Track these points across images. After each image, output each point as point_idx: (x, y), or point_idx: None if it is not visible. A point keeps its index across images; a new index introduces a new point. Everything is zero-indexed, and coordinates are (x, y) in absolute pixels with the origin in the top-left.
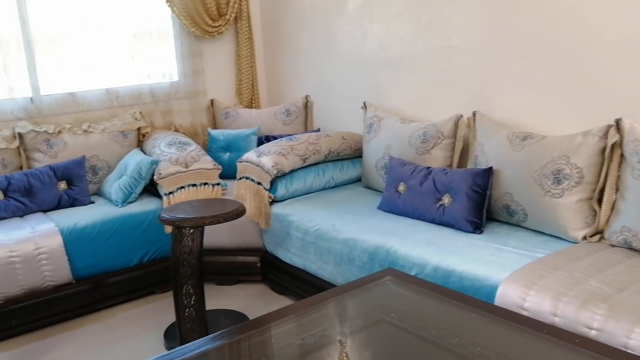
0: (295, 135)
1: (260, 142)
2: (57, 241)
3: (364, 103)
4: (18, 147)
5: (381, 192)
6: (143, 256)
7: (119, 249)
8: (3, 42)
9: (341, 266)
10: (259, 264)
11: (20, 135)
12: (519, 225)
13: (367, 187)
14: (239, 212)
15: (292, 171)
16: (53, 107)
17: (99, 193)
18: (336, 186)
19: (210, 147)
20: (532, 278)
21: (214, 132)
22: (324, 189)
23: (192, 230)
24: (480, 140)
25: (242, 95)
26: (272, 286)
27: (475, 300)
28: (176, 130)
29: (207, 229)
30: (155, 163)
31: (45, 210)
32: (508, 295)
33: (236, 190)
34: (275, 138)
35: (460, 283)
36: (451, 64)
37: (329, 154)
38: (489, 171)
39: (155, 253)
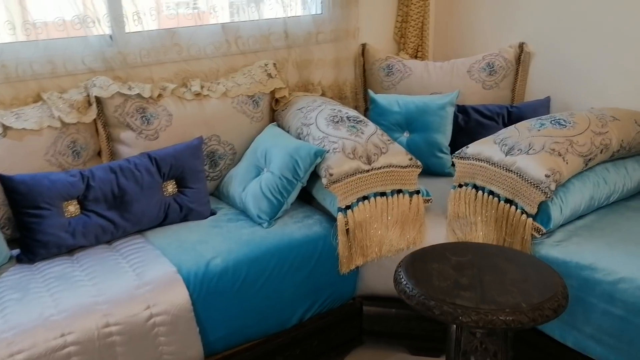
0: (557, 116)
1: (455, 117)
2: (182, 298)
3: None
4: (95, 121)
5: None
6: (306, 311)
7: (274, 304)
8: None
9: None
10: None
11: (99, 101)
12: None
13: None
14: (565, 298)
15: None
16: (144, 53)
17: (216, 194)
18: (617, 201)
19: (375, 121)
20: None
21: (381, 98)
22: (600, 207)
23: (489, 336)
24: None
25: (405, 39)
26: None
27: None
28: (323, 94)
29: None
30: (321, 154)
31: (143, 230)
32: None
33: (453, 207)
34: (477, 111)
35: None
36: None
37: (618, 150)
38: None
39: (322, 305)
